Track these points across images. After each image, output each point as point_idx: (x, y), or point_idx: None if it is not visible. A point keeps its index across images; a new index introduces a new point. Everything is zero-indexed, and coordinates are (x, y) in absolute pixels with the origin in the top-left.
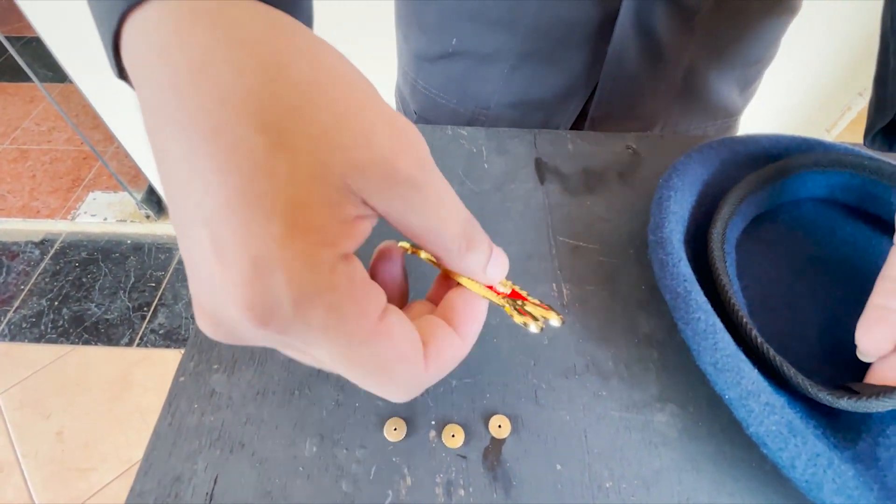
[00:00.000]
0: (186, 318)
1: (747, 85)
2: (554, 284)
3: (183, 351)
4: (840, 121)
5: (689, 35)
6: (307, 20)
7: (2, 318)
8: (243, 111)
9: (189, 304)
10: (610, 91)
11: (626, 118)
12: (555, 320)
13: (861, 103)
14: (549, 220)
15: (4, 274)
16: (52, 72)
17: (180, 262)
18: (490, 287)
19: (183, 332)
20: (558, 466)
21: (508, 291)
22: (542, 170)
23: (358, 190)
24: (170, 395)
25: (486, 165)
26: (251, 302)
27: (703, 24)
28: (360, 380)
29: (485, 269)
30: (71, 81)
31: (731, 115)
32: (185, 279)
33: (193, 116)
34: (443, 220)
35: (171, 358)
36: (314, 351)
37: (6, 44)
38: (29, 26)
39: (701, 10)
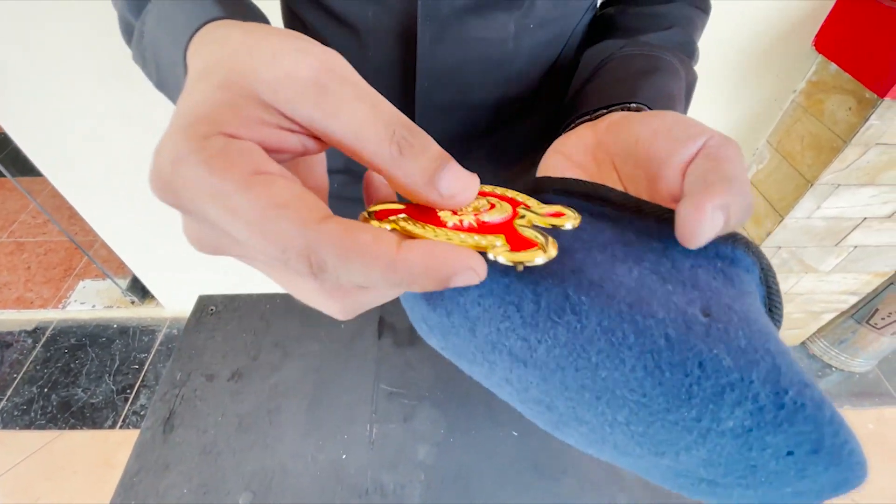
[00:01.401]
0: None
1: None
2: (368, 424)
3: None
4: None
5: None
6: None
7: None
8: (197, 75)
9: None
10: None
11: None
12: (570, 222)
13: (753, 169)
14: (376, 370)
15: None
16: (21, 168)
17: (162, 343)
18: (445, 223)
19: None
20: None
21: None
22: (382, 326)
23: (272, 101)
24: None
25: (342, 326)
26: (150, 175)
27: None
28: (248, 236)
29: (431, 179)
30: (41, 176)
31: None
32: (166, 360)
33: (187, 82)
34: (362, 119)
35: None
36: (208, 214)
37: None
38: None
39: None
